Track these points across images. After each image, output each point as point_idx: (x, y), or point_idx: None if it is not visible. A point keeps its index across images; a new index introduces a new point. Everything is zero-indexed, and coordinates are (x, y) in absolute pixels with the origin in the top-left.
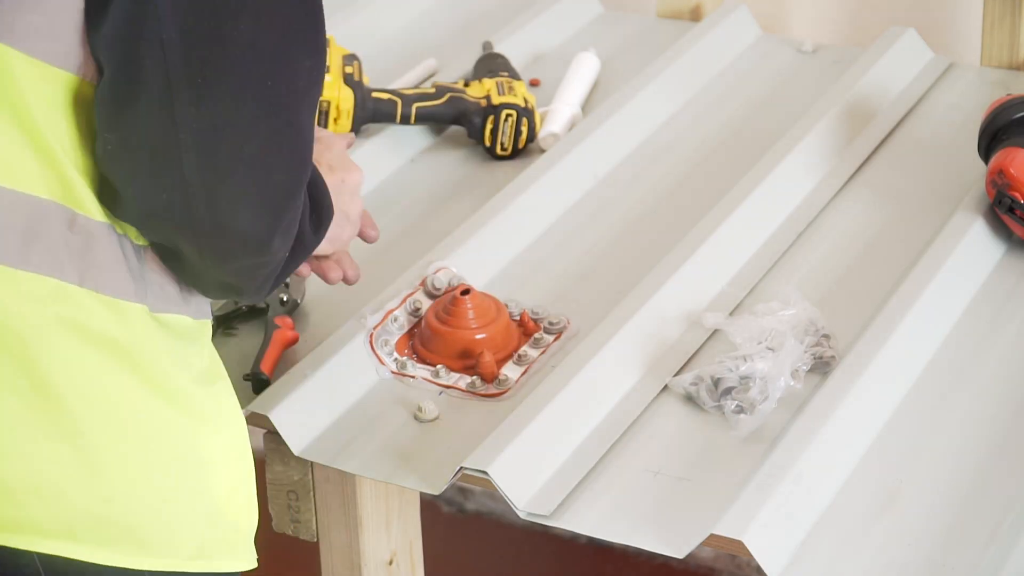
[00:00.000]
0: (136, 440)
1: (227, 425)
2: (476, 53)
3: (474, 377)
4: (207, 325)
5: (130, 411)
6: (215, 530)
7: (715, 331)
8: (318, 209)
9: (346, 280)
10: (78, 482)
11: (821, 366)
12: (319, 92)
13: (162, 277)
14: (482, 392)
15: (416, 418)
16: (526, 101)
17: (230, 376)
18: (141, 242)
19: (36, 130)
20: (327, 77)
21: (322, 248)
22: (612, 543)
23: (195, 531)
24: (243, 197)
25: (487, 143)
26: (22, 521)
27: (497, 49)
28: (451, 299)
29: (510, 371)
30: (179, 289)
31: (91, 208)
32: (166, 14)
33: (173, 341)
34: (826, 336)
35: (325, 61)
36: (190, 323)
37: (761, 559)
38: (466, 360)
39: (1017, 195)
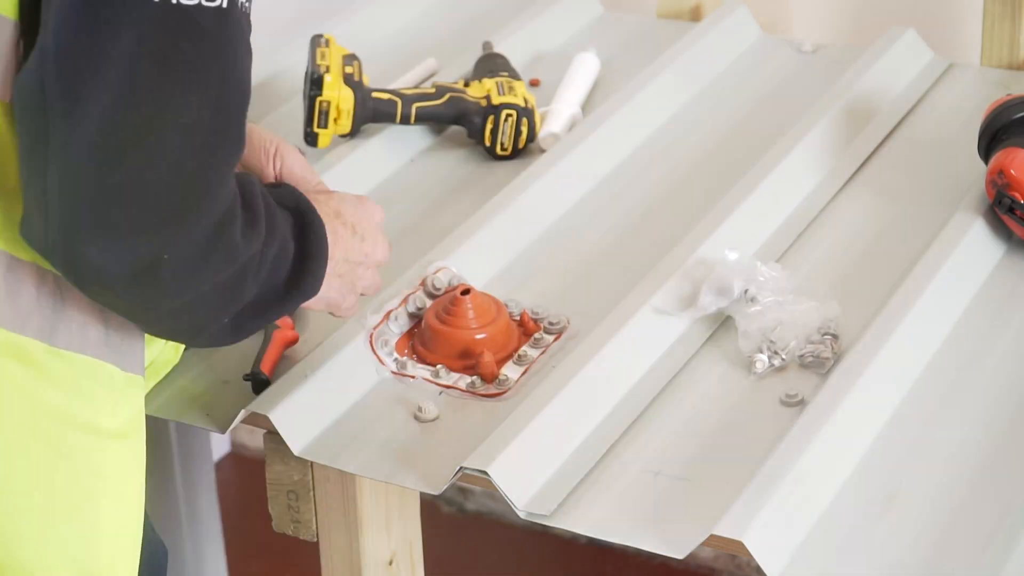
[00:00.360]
0: (22, 473)
1: (123, 489)
2: (476, 53)
3: (474, 377)
4: (135, 381)
5: (17, 446)
6: None
7: (716, 330)
8: (303, 269)
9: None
10: None
11: (816, 365)
12: (218, 142)
13: (84, 316)
14: (482, 392)
15: (416, 418)
16: (526, 101)
17: (230, 376)
18: None
19: None
20: (327, 77)
21: (312, 305)
22: (612, 543)
23: None
24: (101, 228)
25: (487, 143)
26: None
27: (497, 49)
28: (451, 299)
29: (510, 371)
30: (105, 334)
31: None
32: (49, 23)
33: (79, 384)
34: (834, 337)
35: (229, 110)
36: (110, 371)
37: (761, 559)
38: (466, 360)
39: (1017, 195)
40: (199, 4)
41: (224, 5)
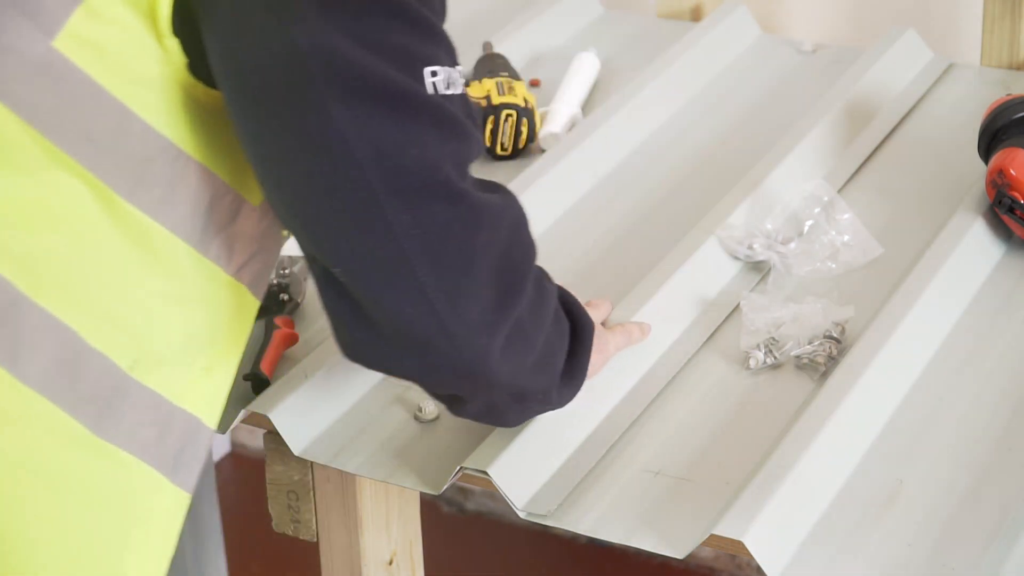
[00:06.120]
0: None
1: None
2: (476, 53)
3: None
4: (181, 500)
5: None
6: None
7: (716, 331)
8: (576, 363)
9: None
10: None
11: (810, 368)
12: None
13: (140, 416)
14: None
15: (416, 418)
16: (526, 101)
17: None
18: (135, 375)
19: None
20: None
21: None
22: (612, 543)
23: None
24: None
25: (487, 143)
26: None
27: (497, 49)
28: None
29: None
30: (159, 439)
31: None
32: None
33: (116, 481)
34: (836, 341)
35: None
36: (155, 478)
37: (761, 559)
38: None
39: (1017, 195)
40: None
41: None
